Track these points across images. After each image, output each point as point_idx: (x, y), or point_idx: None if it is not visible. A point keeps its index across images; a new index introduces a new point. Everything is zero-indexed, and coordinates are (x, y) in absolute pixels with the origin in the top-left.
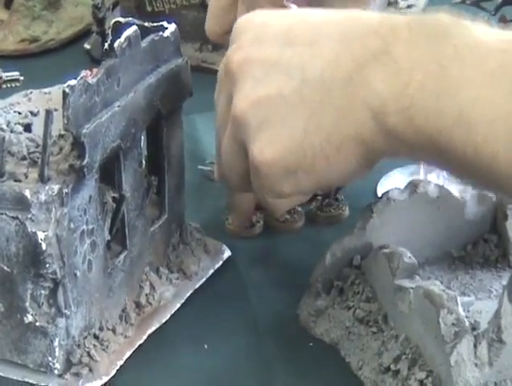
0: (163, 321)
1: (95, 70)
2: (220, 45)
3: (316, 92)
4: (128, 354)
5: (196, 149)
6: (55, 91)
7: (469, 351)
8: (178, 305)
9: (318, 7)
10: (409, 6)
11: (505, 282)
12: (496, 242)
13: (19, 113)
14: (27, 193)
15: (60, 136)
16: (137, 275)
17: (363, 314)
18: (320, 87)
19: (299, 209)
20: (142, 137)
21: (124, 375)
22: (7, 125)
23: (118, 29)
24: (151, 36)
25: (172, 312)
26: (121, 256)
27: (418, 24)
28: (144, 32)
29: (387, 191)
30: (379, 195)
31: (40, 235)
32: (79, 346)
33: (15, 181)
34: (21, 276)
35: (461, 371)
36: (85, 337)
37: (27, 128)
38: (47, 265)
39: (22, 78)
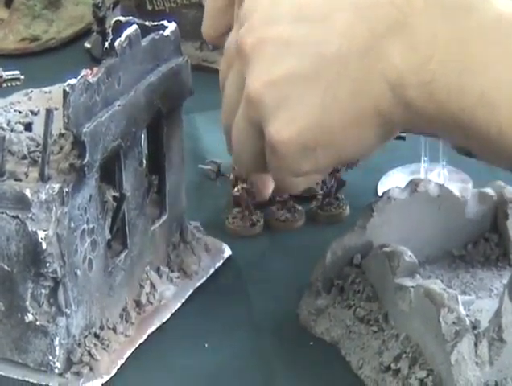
0: (164, 320)
1: (95, 69)
2: (217, 46)
3: (332, 66)
4: (128, 353)
5: (196, 148)
6: (56, 90)
7: (470, 349)
8: (178, 305)
9: None
10: None
11: (505, 281)
12: (496, 241)
13: (20, 112)
14: (28, 192)
15: (61, 135)
16: (137, 274)
17: (363, 313)
18: (336, 61)
19: (300, 208)
20: (143, 136)
21: (124, 374)
22: (8, 124)
23: (119, 28)
24: (152, 35)
25: (173, 311)
26: (122, 255)
27: None
28: (144, 31)
29: (388, 190)
30: (380, 193)
31: (41, 234)
32: (79, 345)
33: (16, 180)
34: (21, 275)
35: (462, 370)
36: (86, 336)
37: (28, 127)
38: (48, 264)
39: (22, 77)
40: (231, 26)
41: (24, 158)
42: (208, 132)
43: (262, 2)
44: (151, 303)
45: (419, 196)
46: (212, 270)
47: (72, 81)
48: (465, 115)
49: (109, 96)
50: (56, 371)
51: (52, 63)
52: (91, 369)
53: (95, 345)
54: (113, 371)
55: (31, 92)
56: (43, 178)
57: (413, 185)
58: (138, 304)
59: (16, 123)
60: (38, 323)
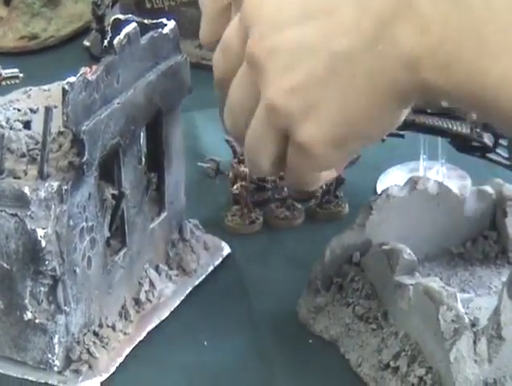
0: (163, 318)
1: (94, 67)
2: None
3: (347, 62)
4: (128, 351)
5: (195, 146)
6: (55, 88)
7: (469, 347)
8: (177, 302)
9: None
10: None
11: (504, 279)
12: (495, 239)
13: (19, 110)
14: (27, 190)
15: (60, 133)
16: (136, 272)
17: (362, 310)
18: (349, 56)
19: (299, 206)
20: (142, 134)
21: (123, 371)
22: (7, 122)
23: (118, 26)
24: (151, 33)
25: (172, 309)
26: (121, 253)
27: None
28: (143, 29)
29: (387, 188)
30: (379, 191)
31: (40, 232)
32: (78, 343)
33: (15, 178)
34: (20, 273)
35: (461, 367)
36: (85, 334)
37: (27, 125)
38: (47, 262)
39: (21, 75)
40: None
41: (23, 155)
42: (207, 130)
43: (264, 7)
44: (150, 301)
45: (417, 194)
46: (211, 268)
47: (71, 79)
48: (487, 94)
49: (108, 94)
50: (55, 369)
51: (51, 61)
52: (90, 367)
53: (94, 343)
54: (112, 369)
55: (30, 90)
56: (42, 176)
57: (412, 183)
58: (137, 302)
59: (15, 121)
60: (37, 321)
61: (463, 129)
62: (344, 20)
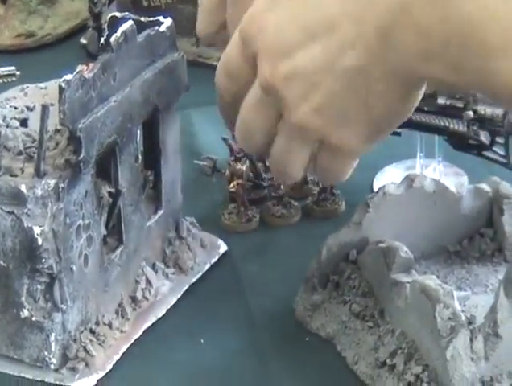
0: (159, 315)
1: (91, 65)
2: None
3: (359, 73)
4: (124, 348)
5: (191, 144)
6: (52, 86)
7: (465, 345)
8: (174, 300)
9: None
10: None
11: (501, 277)
12: (492, 237)
13: (15, 108)
14: (23, 188)
15: (56, 131)
16: (133, 270)
17: (359, 308)
18: (360, 70)
19: (296, 204)
20: (138, 132)
21: (120, 369)
22: (3, 120)
23: (114, 24)
24: (147, 31)
25: (168, 307)
26: (118, 251)
27: None
28: (140, 27)
29: (383, 186)
30: (375, 189)
31: (36, 230)
32: (75, 340)
33: (11, 176)
34: (17, 271)
35: (457, 365)
36: (81, 332)
37: (23, 123)
38: (43, 260)
39: (18, 73)
40: (225, 23)
41: (20, 153)
42: (203, 128)
43: (265, 31)
44: (147, 299)
45: (414, 192)
46: (207, 266)
47: (68, 77)
48: (499, 88)
49: (104, 91)
50: (52, 366)
51: (48, 59)
52: (87, 365)
53: (91, 341)
54: (109, 367)
55: (27, 87)
56: (39, 174)
57: (409, 181)
58: (133, 300)
59: (12, 119)
60: (33, 319)
61: (460, 127)
62: (347, 36)
